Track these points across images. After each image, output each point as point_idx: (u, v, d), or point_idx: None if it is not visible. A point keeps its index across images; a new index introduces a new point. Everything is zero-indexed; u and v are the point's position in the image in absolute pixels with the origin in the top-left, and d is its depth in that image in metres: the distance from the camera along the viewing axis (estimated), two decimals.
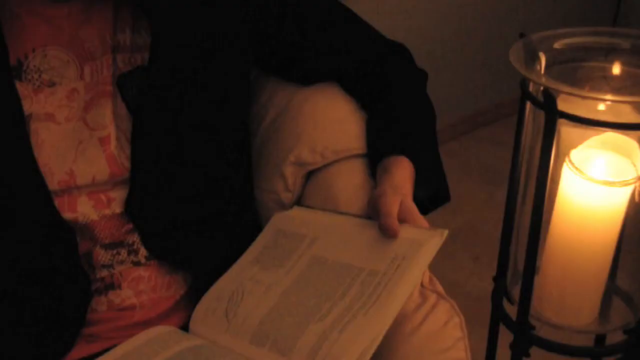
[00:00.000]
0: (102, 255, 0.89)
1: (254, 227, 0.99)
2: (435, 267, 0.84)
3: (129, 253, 0.90)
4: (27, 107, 0.85)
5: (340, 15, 1.01)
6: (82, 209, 0.87)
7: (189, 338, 0.87)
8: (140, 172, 0.88)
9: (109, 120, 0.87)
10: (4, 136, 0.84)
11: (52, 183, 0.85)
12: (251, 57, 0.97)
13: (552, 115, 0.86)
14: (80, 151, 0.86)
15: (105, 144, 0.87)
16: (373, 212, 0.85)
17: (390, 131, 0.96)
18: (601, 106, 0.85)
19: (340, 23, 1.01)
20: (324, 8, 1.00)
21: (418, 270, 0.81)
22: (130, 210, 0.88)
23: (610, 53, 0.94)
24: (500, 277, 1.07)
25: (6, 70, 0.83)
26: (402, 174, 0.89)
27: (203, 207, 0.94)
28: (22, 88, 0.84)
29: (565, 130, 0.90)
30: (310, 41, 0.99)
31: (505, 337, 1.06)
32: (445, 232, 0.82)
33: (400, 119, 0.97)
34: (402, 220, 0.83)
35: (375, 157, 0.94)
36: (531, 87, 0.91)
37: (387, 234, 0.82)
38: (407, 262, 0.81)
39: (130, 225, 0.89)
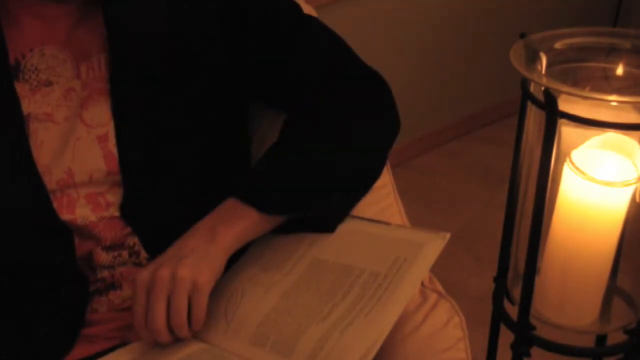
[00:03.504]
0: (103, 257, 0.89)
1: None
2: (436, 267, 0.84)
3: (130, 255, 0.90)
4: (25, 107, 0.84)
5: (306, 30, 0.95)
6: (80, 212, 0.87)
7: (189, 342, 0.87)
8: (132, 176, 0.88)
9: (107, 118, 0.87)
10: (4, 137, 0.84)
11: (51, 182, 0.85)
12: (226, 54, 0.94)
13: (553, 116, 0.86)
14: (78, 149, 0.86)
15: (103, 141, 0.87)
16: None
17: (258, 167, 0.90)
18: (602, 106, 0.85)
19: (304, 37, 0.95)
20: (289, 22, 0.94)
21: (419, 273, 0.81)
22: (126, 214, 0.88)
23: (611, 53, 0.94)
24: (501, 277, 1.07)
25: (6, 71, 0.83)
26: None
27: (200, 209, 0.93)
28: (19, 88, 0.84)
29: (566, 130, 0.90)
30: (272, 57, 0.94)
31: (506, 337, 1.05)
32: (447, 236, 0.82)
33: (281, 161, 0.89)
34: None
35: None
36: (532, 88, 0.91)
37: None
38: (409, 264, 0.81)
39: (130, 229, 0.89)
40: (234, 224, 0.84)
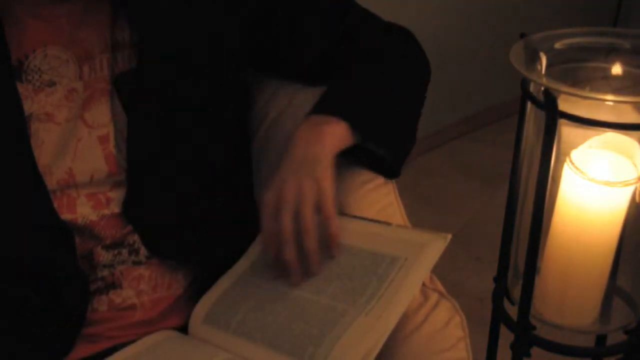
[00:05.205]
0: (103, 256, 0.89)
1: (254, 227, 0.99)
2: (436, 266, 0.84)
3: (130, 253, 0.90)
4: (27, 107, 0.85)
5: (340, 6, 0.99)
6: (81, 210, 0.87)
7: (190, 343, 0.87)
8: (137, 173, 0.88)
9: (108, 119, 0.87)
10: (5, 137, 0.84)
11: (52, 182, 0.85)
12: (245, 54, 0.95)
13: (553, 116, 0.86)
14: (79, 149, 0.86)
15: (104, 142, 0.87)
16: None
17: (335, 93, 0.93)
18: (602, 106, 0.85)
19: (338, 14, 0.99)
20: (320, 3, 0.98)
21: (420, 274, 0.81)
22: (128, 211, 0.88)
23: (610, 53, 0.94)
24: (501, 277, 1.07)
25: (8, 71, 0.83)
26: (313, 134, 0.86)
27: (202, 207, 0.94)
28: (22, 89, 0.84)
29: (566, 130, 0.90)
30: (303, 29, 0.97)
31: (506, 337, 1.06)
32: (449, 237, 0.82)
33: (353, 83, 0.93)
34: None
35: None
36: (532, 87, 0.91)
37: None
38: (410, 265, 0.81)
39: (131, 227, 0.89)
40: (331, 126, 0.85)
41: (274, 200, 0.83)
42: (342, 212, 0.93)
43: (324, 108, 0.89)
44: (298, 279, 0.83)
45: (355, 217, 0.91)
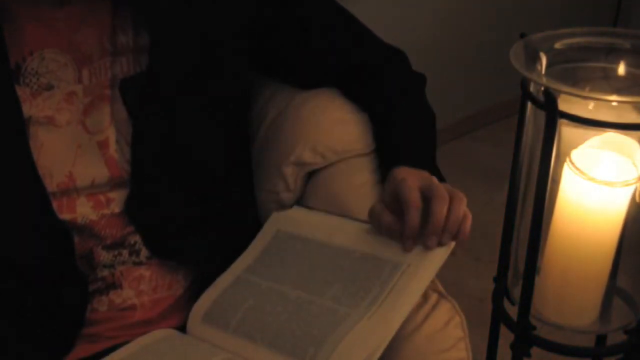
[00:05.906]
0: (103, 256, 0.89)
1: (255, 226, 0.99)
2: None
3: (131, 254, 0.90)
4: (26, 110, 0.84)
5: (340, 19, 1.00)
6: (81, 210, 0.87)
7: (188, 342, 0.87)
8: (141, 175, 0.88)
9: (107, 124, 0.87)
10: (4, 139, 0.84)
11: (52, 185, 0.85)
12: (251, 60, 0.96)
13: (553, 116, 0.86)
14: (80, 155, 0.86)
15: (104, 147, 0.87)
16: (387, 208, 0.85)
17: (397, 140, 0.95)
18: (602, 106, 0.85)
19: (340, 26, 1.00)
20: (324, 11, 1.00)
21: (423, 280, 0.81)
22: (131, 212, 0.88)
23: (610, 53, 0.94)
24: (501, 277, 1.07)
25: (6, 74, 0.83)
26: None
27: (204, 207, 0.94)
28: (20, 92, 0.84)
29: (566, 130, 0.90)
30: (310, 44, 0.98)
31: (506, 337, 1.06)
32: (452, 244, 0.83)
33: (403, 125, 0.96)
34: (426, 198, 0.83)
35: (389, 165, 0.93)
36: (532, 87, 0.91)
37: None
38: (413, 270, 0.81)
39: (132, 228, 0.89)
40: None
41: (420, 184, 0.84)
42: (344, 215, 0.93)
43: (406, 160, 0.90)
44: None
45: (357, 219, 0.91)
